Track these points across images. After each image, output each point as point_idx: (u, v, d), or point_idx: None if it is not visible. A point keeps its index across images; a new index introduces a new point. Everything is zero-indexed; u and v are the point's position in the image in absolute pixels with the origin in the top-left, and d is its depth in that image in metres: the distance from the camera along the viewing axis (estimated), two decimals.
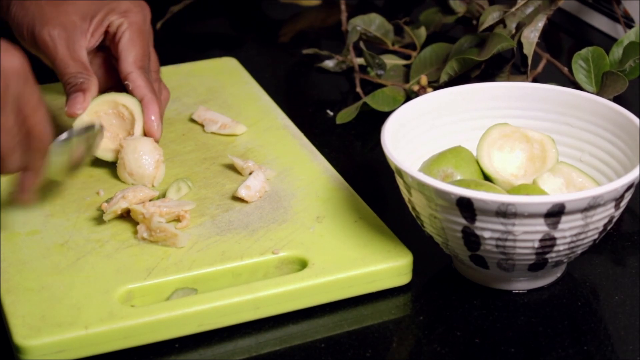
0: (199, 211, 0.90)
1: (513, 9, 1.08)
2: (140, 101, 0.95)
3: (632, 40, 1.04)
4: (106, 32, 0.98)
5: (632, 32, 1.06)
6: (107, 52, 0.99)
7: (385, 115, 0.92)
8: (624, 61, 1.04)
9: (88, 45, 0.97)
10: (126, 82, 0.96)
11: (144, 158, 0.93)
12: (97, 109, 0.95)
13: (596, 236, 0.81)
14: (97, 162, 0.96)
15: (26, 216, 0.90)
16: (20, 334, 0.77)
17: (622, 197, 0.80)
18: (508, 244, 0.79)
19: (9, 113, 0.77)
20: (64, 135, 0.88)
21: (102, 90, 0.98)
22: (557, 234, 0.79)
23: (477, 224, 0.79)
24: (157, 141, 0.95)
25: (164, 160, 0.95)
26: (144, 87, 0.95)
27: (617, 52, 1.05)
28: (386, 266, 0.84)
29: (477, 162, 0.89)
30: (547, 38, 1.28)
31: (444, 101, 0.92)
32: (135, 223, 0.88)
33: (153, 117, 0.95)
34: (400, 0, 1.39)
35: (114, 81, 0.99)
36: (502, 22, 1.09)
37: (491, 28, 1.09)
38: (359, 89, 1.14)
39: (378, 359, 0.79)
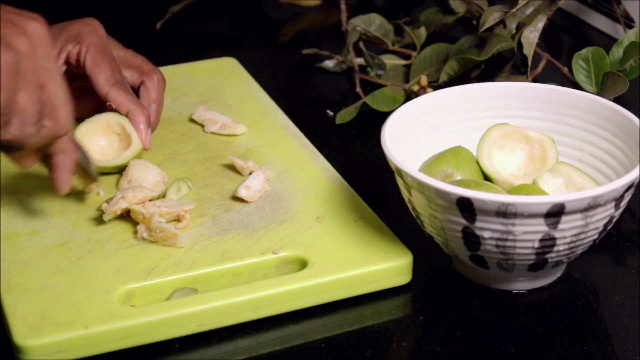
0: (199, 211, 0.90)
1: (514, 10, 1.08)
2: (127, 115, 0.96)
3: (633, 40, 1.04)
4: (68, 62, 0.97)
5: (632, 33, 1.06)
6: (82, 77, 0.98)
7: (385, 115, 0.92)
8: (624, 61, 1.04)
9: None
10: (108, 103, 0.96)
11: (148, 179, 0.94)
12: (94, 136, 0.97)
13: (596, 236, 0.81)
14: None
15: (26, 216, 0.90)
16: (20, 334, 0.77)
17: (622, 197, 0.80)
18: (508, 244, 0.79)
19: (30, 83, 0.76)
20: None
21: (96, 112, 0.99)
22: (557, 234, 0.79)
23: (477, 224, 0.78)
24: (146, 149, 0.96)
25: (165, 182, 0.95)
26: (125, 102, 0.96)
27: (617, 52, 1.05)
28: (386, 266, 0.84)
29: (477, 162, 0.89)
30: (547, 38, 1.28)
31: (444, 101, 0.92)
32: (135, 223, 0.88)
33: (142, 126, 0.96)
34: (400, 0, 1.39)
35: (100, 100, 0.99)
36: (502, 22, 1.09)
37: (491, 28, 1.09)
38: (358, 89, 1.14)
39: (378, 359, 0.79)
